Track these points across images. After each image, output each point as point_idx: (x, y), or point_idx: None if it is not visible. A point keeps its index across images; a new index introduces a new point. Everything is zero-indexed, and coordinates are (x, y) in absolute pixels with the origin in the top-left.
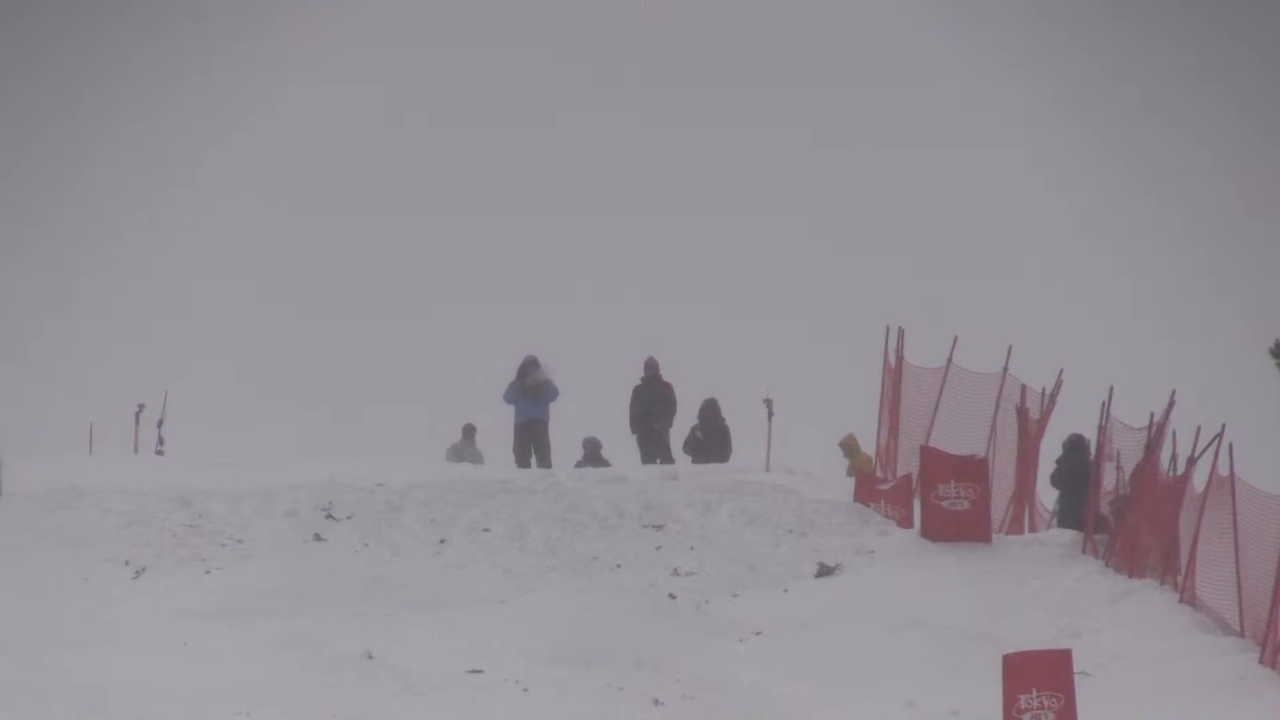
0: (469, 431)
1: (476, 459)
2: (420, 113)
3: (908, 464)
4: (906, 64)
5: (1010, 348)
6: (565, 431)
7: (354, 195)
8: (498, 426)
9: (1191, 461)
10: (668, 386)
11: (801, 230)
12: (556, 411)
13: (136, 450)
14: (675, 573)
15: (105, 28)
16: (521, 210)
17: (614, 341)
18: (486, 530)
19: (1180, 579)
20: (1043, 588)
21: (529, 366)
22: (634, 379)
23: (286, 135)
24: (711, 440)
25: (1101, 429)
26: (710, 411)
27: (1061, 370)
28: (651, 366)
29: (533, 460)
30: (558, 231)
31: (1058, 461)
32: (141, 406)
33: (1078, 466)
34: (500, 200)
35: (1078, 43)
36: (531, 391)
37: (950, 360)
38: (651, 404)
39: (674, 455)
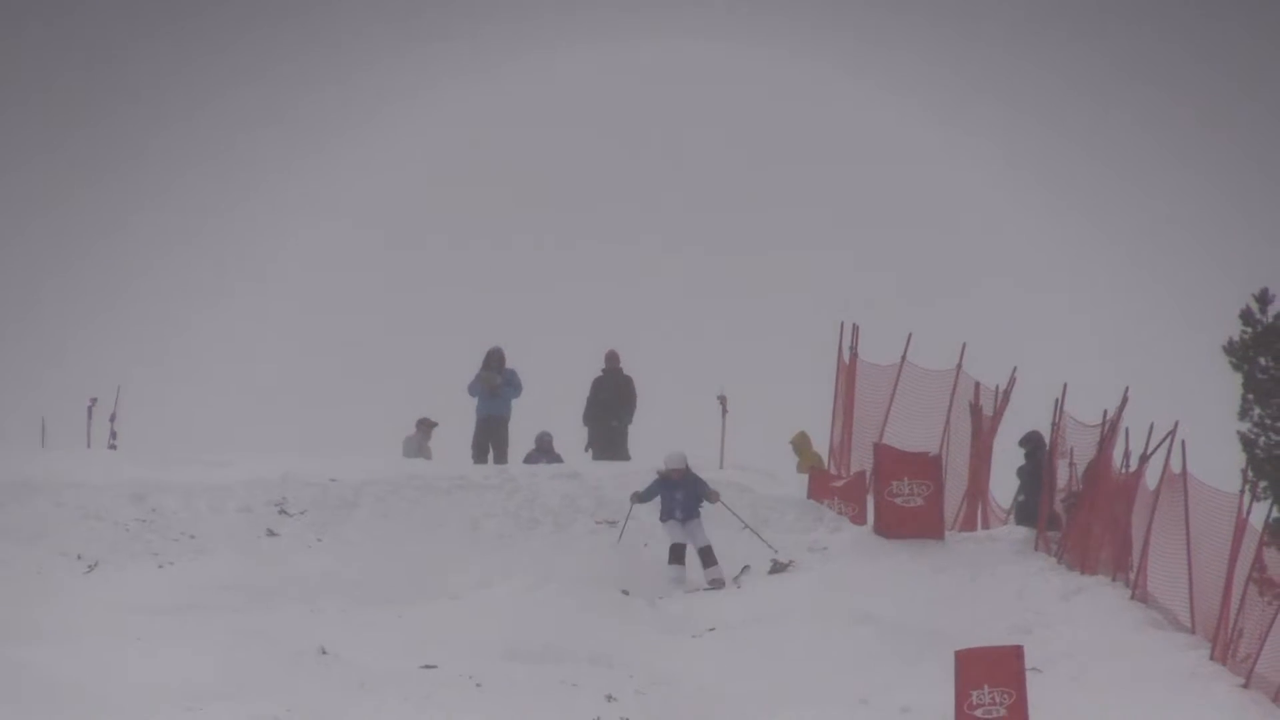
0: (424, 425)
1: (425, 451)
2: None
3: (861, 461)
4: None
5: (964, 345)
6: (521, 424)
7: (311, 187)
8: (458, 420)
9: (1144, 459)
10: (628, 380)
11: (757, 226)
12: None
13: (89, 444)
14: (629, 569)
15: None
16: (485, 201)
17: (570, 333)
18: (440, 526)
19: (1132, 575)
20: (995, 584)
21: (493, 358)
22: (592, 371)
23: (244, 118)
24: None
25: (1055, 426)
26: (612, 363)
27: (1015, 368)
28: (612, 359)
29: (490, 455)
30: (520, 223)
31: (1027, 457)
32: (94, 400)
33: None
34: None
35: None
36: (488, 391)
37: (904, 357)
38: (611, 399)
39: (630, 453)
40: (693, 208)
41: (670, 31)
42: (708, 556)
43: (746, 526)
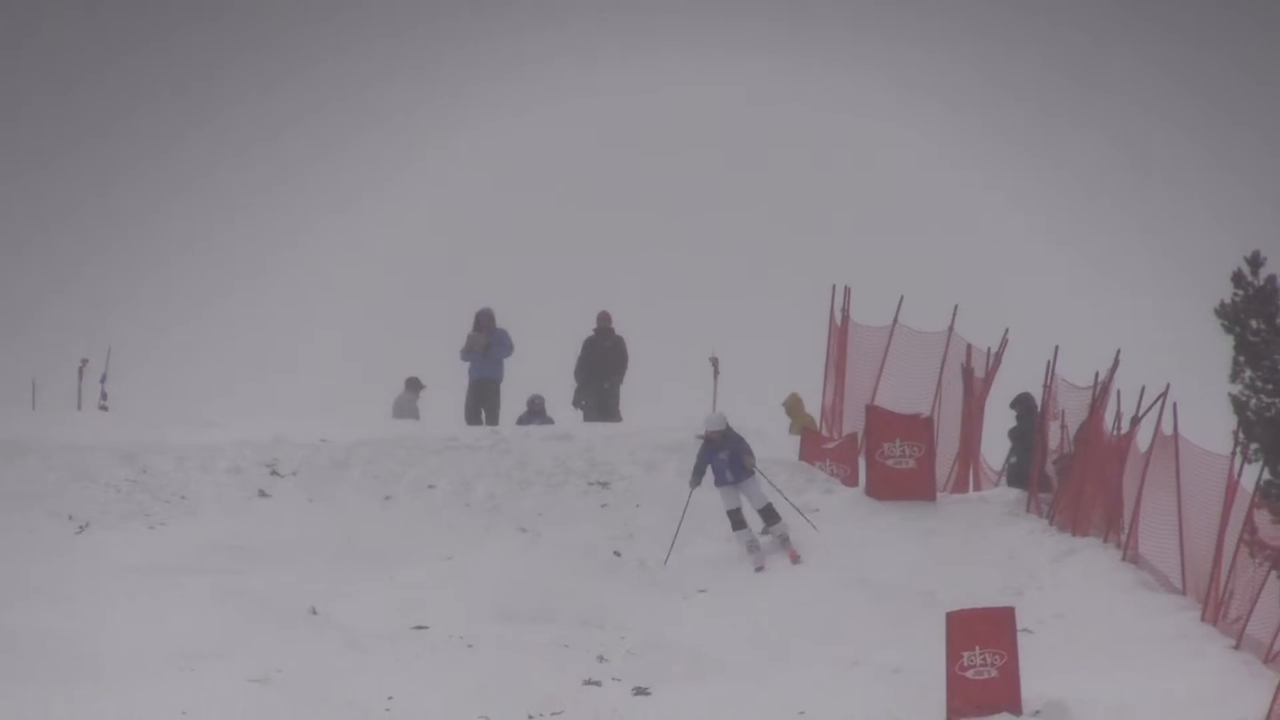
0: (413, 384)
1: (414, 410)
2: None
3: (853, 423)
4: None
5: (956, 307)
6: (514, 387)
7: (298, 147)
8: (451, 384)
9: (1135, 421)
10: (620, 341)
11: (751, 188)
12: (506, 366)
13: (80, 406)
14: (621, 530)
15: None
16: (475, 162)
17: (561, 296)
18: (432, 487)
19: (1123, 537)
20: (987, 546)
21: (483, 319)
22: (583, 334)
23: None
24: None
25: (1046, 388)
26: (604, 323)
27: (1007, 330)
28: (604, 319)
29: (482, 418)
30: (512, 188)
31: (1018, 419)
32: (85, 362)
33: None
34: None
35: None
36: (477, 351)
37: (896, 320)
38: (602, 360)
39: (621, 415)
40: (689, 175)
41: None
42: (769, 515)
43: (784, 498)
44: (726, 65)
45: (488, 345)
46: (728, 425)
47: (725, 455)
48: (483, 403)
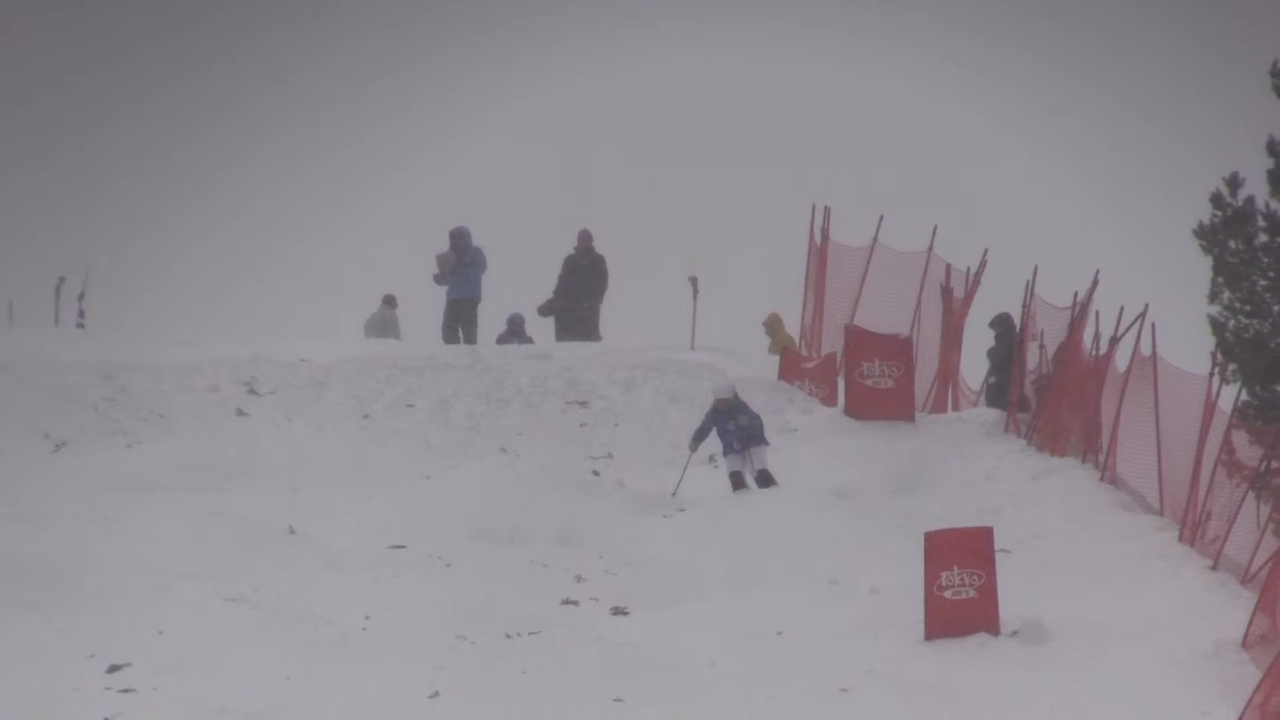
0: (389, 301)
1: (394, 326)
2: None
3: (832, 343)
4: None
5: (935, 227)
6: (493, 306)
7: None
8: (429, 305)
9: (1114, 341)
10: (600, 259)
11: (730, 111)
12: (485, 286)
13: (57, 323)
14: (599, 450)
15: None
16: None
17: (543, 215)
18: (410, 406)
19: (1101, 458)
20: (965, 466)
21: (456, 238)
22: (562, 254)
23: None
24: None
25: (1025, 308)
26: (584, 242)
27: (986, 250)
28: (585, 238)
29: (460, 337)
30: (484, 103)
31: (997, 339)
32: (62, 280)
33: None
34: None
35: None
36: (448, 270)
37: (876, 239)
38: (583, 279)
39: (601, 334)
40: (689, 137)
41: None
42: (764, 479)
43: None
44: (723, 35)
45: (458, 263)
46: (736, 394)
47: (733, 426)
48: (460, 322)
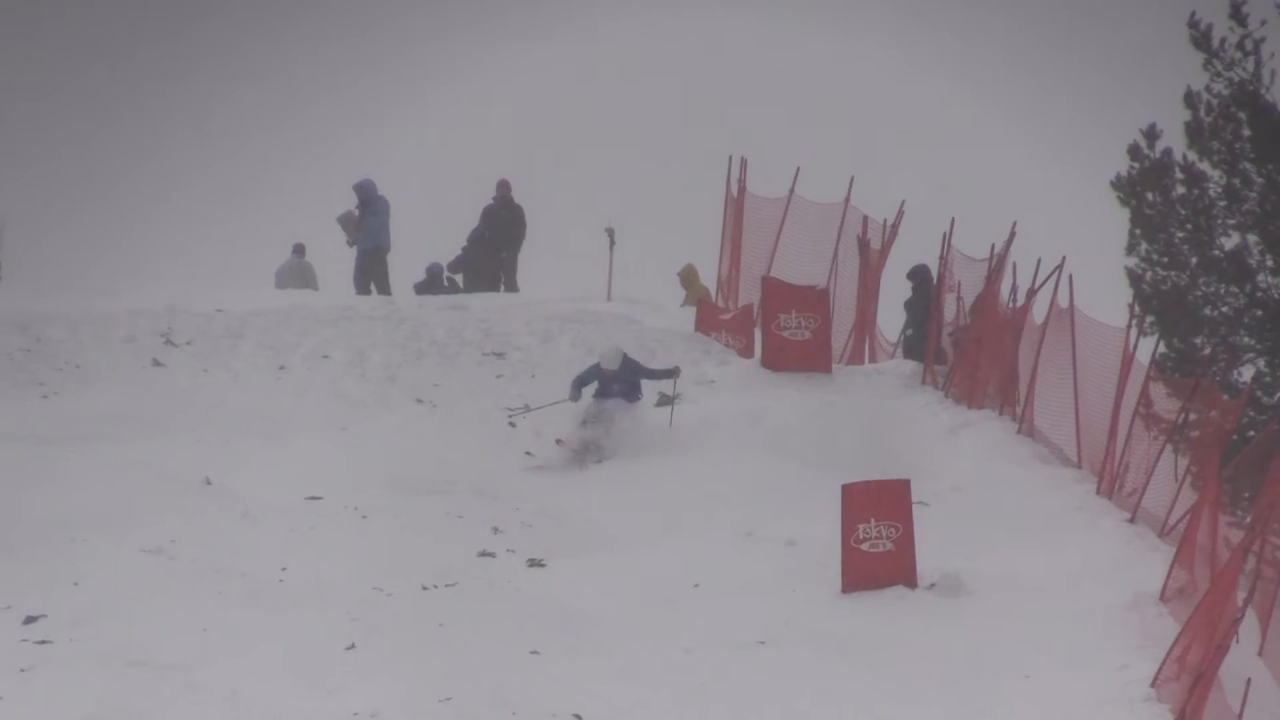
0: (299, 250)
1: (310, 274)
2: None
3: (749, 294)
4: None
5: (852, 179)
6: (409, 254)
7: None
8: (342, 257)
9: (1031, 293)
10: (518, 209)
11: (649, 60)
12: (398, 236)
13: None
14: (516, 401)
15: None
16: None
17: (459, 167)
18: (327, 357)
19: (1019, 410)
20: (882, 418)
21: (362, 191)
22: (480, 204)
23: None
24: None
25: (942, 260)
26: (503, 191)
27: (903, 201)
28: (504, 188)
29: (372, 289)
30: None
31: (914, 290)
32: None
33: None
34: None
35: None
36: (352, 227)
37: (792, 191)
38: (501, 229)
39: (519, 285)
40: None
41: None
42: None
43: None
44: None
45: (361, 217)
46: (623, 362)
47: (618, 386)
48: (370, 274)
